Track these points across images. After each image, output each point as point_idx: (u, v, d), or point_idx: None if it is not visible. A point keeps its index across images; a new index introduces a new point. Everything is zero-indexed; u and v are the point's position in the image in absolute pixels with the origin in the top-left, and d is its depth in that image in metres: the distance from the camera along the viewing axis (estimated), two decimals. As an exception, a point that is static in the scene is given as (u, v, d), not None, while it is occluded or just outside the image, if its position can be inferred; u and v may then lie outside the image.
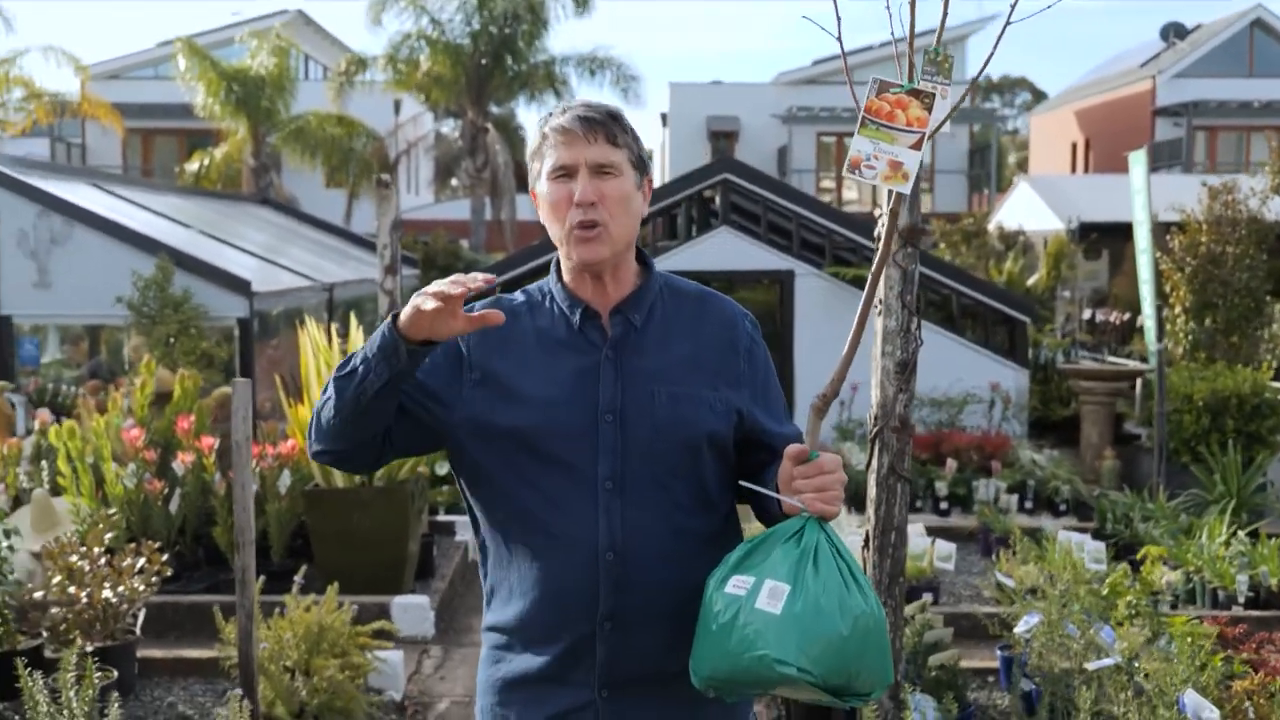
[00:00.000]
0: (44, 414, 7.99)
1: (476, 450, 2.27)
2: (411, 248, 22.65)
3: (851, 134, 4.43)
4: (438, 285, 2.04)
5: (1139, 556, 6.07)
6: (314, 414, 2.27)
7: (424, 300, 2.05)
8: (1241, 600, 6.35)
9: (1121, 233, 15.46)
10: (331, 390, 2.19)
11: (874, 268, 2.23)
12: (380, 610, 6.19)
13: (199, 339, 10.28)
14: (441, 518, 8.40)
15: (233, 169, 26.31)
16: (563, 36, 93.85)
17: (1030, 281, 21.16)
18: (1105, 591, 5.28)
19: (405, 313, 2.09)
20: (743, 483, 2.25)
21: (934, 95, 2.10)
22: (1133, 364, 11.82)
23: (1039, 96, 54.74)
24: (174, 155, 32.28)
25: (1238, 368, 9.71)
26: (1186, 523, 7.40)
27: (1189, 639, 4.48)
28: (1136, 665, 4.23)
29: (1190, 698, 3.64)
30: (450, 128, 40.35)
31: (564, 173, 2.23)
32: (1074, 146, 36.28)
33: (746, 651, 1.99)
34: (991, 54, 2.26)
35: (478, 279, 2.06)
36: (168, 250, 10.51)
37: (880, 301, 4.42)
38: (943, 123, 2.12)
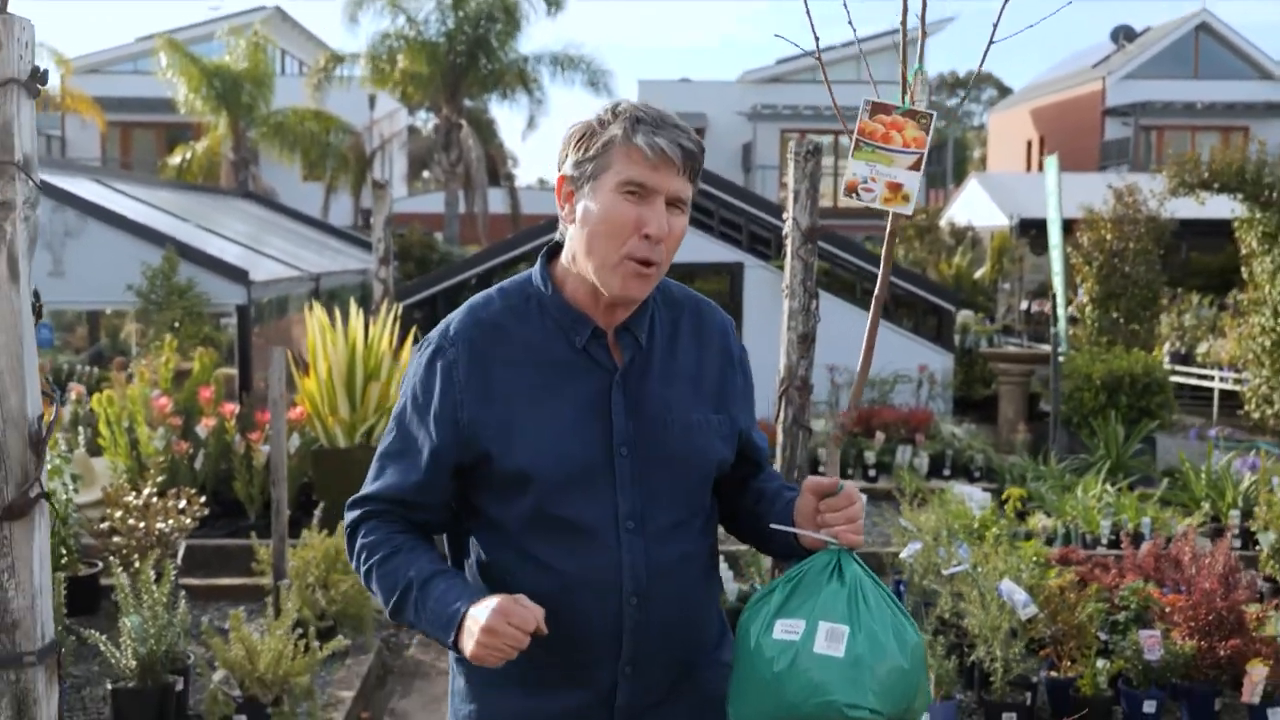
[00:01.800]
0: (79, 387, 9.05)
1: (475, 495, 2.12)
2: (388, 240, 23.55)
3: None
4: (506, 635, 1.90)
5: (1004, 497, 7.23)
6: (358, 568, 2.16)
7: (496, 652, 1.91)
8: (1105, 542, 7.54)
9: (1064, 229, 16.71)
10: (376, 588, 2.11)
11: (877, 289, 2.16)
12: (378, 550, 7.29)
13: (202, 324, 11.31)
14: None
15: (212, 162, 27.21)
16: (535, 34, 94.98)
17: (977, 275, 22.38)
18: (976, 525, 6.44)
19: (470, 644, 1.92)
20: (774, 525, 2.13)
21: (931, 116, 2.04)
22: (1045, 348, 13.04)
23: (1004, 92, 55.71)
24: (152, 149, 33.09)
25: (1134, 351, 10.92)
26: (1071, 481, 8.59)
27: (1032, 555, 5.64)
28: (981, 571, 5.38)
29: (1005, 584, 4.80)
30: (422, 121, 41.29)
31: (637, 191, 2.01)
32: (1029, 144, 37.51)
33: (811, 699, 1.93)
34: (982, 62, 2.16)
35: (534, 624, 1.92)
36: (173, 242, 11.52)
37: (787, 286, 5.54)
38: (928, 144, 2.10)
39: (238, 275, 11.61)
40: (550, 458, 2.04)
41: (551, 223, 14.35)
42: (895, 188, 2.06)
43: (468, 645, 1.92)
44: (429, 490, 2.11)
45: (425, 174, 47.25)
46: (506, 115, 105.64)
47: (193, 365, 8.76)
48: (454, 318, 2.14)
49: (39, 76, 2.07)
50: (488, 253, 13.93)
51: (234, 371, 11.31)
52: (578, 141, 2.07)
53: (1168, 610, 5.21)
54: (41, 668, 2.07)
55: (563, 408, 2.07)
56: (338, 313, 7.99)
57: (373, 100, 31.63)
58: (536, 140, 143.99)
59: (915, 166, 2.06)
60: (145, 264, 11.29)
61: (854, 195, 2.07)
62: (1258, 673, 4.78)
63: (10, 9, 2.02)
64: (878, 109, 2.07)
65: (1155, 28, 36.22)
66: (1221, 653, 4.90)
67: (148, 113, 31.70)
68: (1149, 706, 4.84)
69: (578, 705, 2.11)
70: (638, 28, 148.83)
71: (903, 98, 2.07)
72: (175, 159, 27.26)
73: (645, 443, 2.09)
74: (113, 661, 4.70)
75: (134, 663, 4.67)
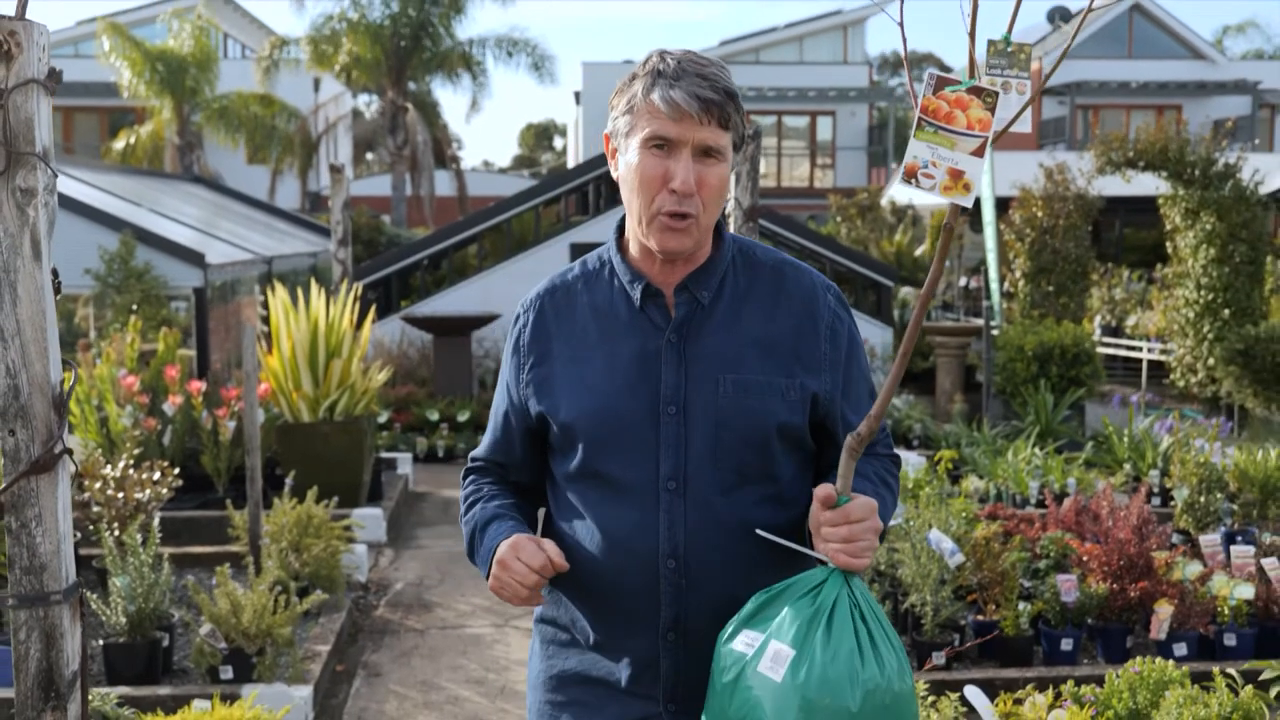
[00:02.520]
0: (43, 367, 9.24)
1: (549, 455, 2.19)
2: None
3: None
4: (514, 570, 2.02)
5: (935, 459, 7.65)
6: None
7: (514, 591, 2.03)
8: (1034, 501, 7.99)
9: (1001, 207, 17.14)
10: (464, 535, 2.24)
11: (924, 289, 1.90)
12: (344, 519, 7.60)
13: (160, 306, 11.51)
14: (384, 454, 9.82)
15: (156, 146, 27.16)
16: (480, 17, 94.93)
17: (918, 252, 22.92)
18: (910, 486, 6.85)
19: (493, 577, 2.07)
20: (759, 532, 2.03)
21: (997, 94, 1.81)
22: (980, 322, 13.52)
23: (945, 71, 56.14)
24: (95, 133, 32.88)
25: (1064, 323, 11.41)
26: (1003, 446, 9.05)
27: (961, 511, 6.05)
28: (914, 526, 5.78)
29: (933, 534, 5.21)
30: (365, 102, 41.26)
31: (662, 144, 2.00)
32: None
33: (745, 718, 1.86)
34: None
35: (540, 561, 2.01)
36: (131, 227, 11.70)
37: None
38: (1015, 118, 1.85)
39: (194, 259, 11.82)
40: (594, 414, 2.05)
41: (499, 205, 14.60)
42: (956, 175, 1.82)
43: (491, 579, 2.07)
44: (508, 450, 2.24)
45: (369, 156, 47.22)
46: (450, 98, 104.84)
47: (155, 346, 9.00)
48: (536, 287, 2.23)
49: (55, 76, 2.35)
50: (438, 235, 14.21)
51: (191, 353, 11.54)
52: (614, 98, 2.09)
53: (1085, 558, 5.64)
54: (66, 605, 2.32)
55: (614, 365, 2.07)
56: (300, 293, 8.26)
57: (317, 83, 31.62)
58: (480, 123, 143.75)
59: (979, 152, 1.81)
60: (102, 248, 11.47)
61: (913, 181, 1.84)
62: (1164, 611, 5.23)
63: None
64: (943, 83, 1.83)
65: (1083, 11, 36.92)
66: (1132, 594, 5.34)
67: (89, 97, 31.45)
68: (1066, 644, 5.27)
69: (626, 671, 2.09)
70: (583, 5, 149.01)
71: (970, 72, 1.85)
72: (119, 143, 27.17)
73: (694, 401, 2.04)
74: (104, 619, 5.00)
75: (124, 620, 4.98)
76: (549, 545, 2.04)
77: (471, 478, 2.30)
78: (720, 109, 1.98)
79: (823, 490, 1.92)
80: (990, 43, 1.85)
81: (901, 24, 1.89)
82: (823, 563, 1.94)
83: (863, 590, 1.91)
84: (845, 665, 1.82)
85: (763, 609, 1.93)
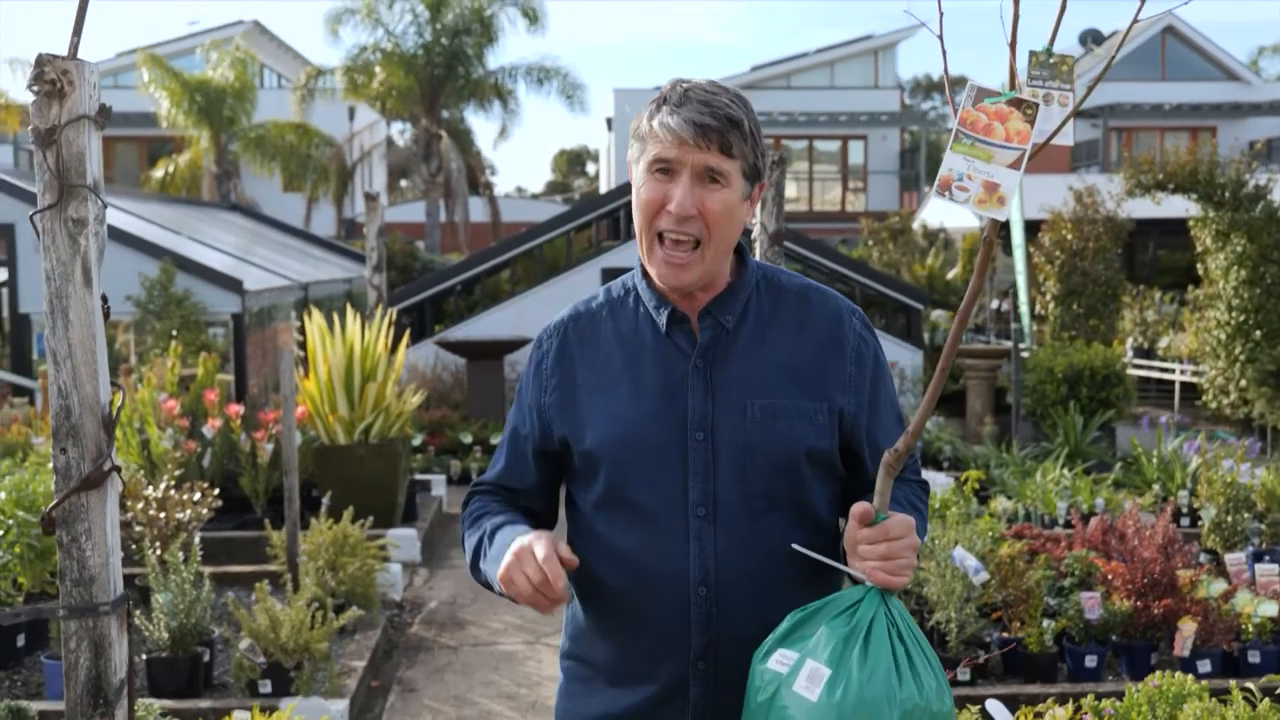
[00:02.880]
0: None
1: (569, 482, 2.19)
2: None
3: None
4: (531, 576, 1.93)
5: (962, 478, 7.71)
6: (460, 539, 2.26)
7: (521, 589, 1.95)
8: (1062, 522, 8.03)
9: (1031, 229, 17.14)
10: (466, 550, 2.20)
11: (960, 310, 1.83)
12: (379, 539, 7.72)
13: (199, 332, 11.73)
14: (419, 476, 9.97)
15: (194, 175, 27.55)
16: (512, 45, 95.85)
17: (950, 275, 22.93)
18: (938, 506, 6.92)
19: (505, 566, 1.97)
20: (795, 546, 2.02)
21: (1037, 106, 1.77)
22: (1009, 344, 13.56)
23: (977, 93, 55.96)
24: (134, 162, 33.38)
25: (1094, 345, 11.44)
26: (1032, 467, 9.09)
27: (987, 530, 6.12)
28: (940, 544, 5.85)
29: (957, 551, 5.29)
30: (399, 130, 41.67)
31: (665, 167, 2.01)
32: (1000, 147, 37.99)
33: None
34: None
35: (558, 586, 1.92)
36: (171, 254, 11.93)
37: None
38: (1056, 131, 1.78)
39: (232, 285, 12.04)
40: (620, 440, 2.05)
41: (531, 230, 14.80)
42: (991, 188, 1.78)
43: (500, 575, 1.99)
44: (522, 475, 2.22)
45: (404, 183, 47.62)
46: (482, 125, 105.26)
47: (194, 371, 9.18)
48: (559, 315, 2.22)
49: (105, 112, 2.46)
50: (471, 260, 14.39)
51: (230, 378, 11.73)
52: (631, 125, 2.10)
53: (1109, 576, 5.69)
54: (114, 616, 2.41)
55: (640, 392, 2.06)
56: (336, 318, 8.43)
57: (352, 112, 31.98)
58: (513, 149, 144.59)
59: (1016, 165, 1.77)
60: (143, 275, 11.70)
61: (947, 193, 1.79)
62: (1188, 629, 5.28)
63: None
64: (983, 95, 1.79)
65: (1122, 31, 36.88)
66: (1156, 611, 5.40)
67: (129, 127, 31.91)
68: (1090, 661, 5.33)
69: (654, 701, 2.07)
70: (615, 30, 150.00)
71: (1011, 83, 1.79)
72: (158, 172, 27.58)
73: (722, 427, 2.03)
74: (147, 634, 5.14)
75: (166, 635, 5.12)
76: (560, 544, 1.99)
77: (476, 499, 2.26)
78: (720, 135, 1.97)
79: (859, 508, 1.90)
80: (1032, 54, 1.81)
81: (941, 36, 1.84)
82: (858, 581, 1.92)
83: (900, 609, 1.90)
84: (882, 684, 1.81)
85: (798, 627, 1.91)
